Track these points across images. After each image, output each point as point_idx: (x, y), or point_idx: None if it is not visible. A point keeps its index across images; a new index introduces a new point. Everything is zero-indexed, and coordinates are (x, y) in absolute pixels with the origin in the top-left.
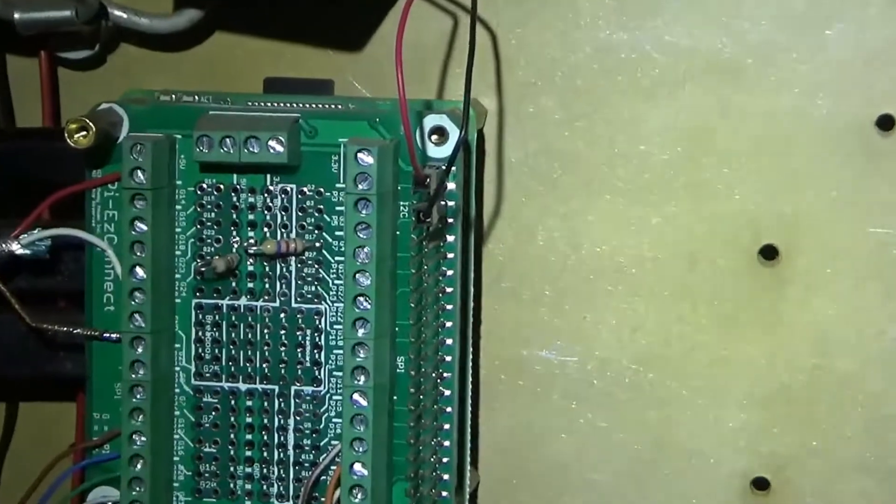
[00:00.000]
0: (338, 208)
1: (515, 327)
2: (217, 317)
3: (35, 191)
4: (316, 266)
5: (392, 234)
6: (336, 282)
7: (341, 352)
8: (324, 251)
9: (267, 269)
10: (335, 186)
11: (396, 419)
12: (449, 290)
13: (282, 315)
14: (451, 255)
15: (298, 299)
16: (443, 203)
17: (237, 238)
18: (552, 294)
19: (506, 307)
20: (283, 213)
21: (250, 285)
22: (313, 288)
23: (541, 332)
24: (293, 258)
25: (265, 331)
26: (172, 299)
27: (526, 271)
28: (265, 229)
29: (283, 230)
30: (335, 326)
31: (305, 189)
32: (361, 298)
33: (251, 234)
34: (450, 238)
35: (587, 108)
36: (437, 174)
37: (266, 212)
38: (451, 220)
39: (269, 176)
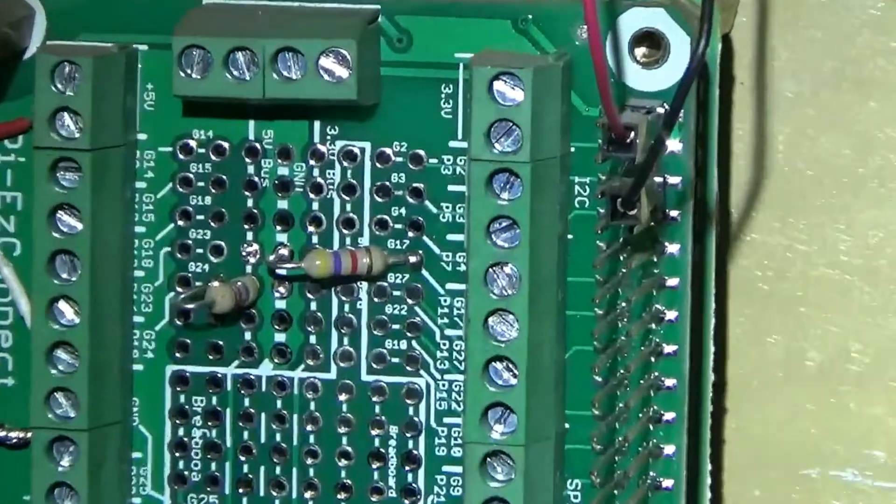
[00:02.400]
0: (453, 189)
1: (793, 422)
2: (215, 400)
3: None
4: (409, 301)
5: (560, 241)
6: (449, 332)
7: (459, 469)
8: (425, 272)
9: (313, 307)
10: (447, 147)
11: None
12: (670, 348)
13: (342, 397)
14: (673, 282)
15: (375, 366)
16: (659, 181)
17: (254, 246)
18: (864, 353)
19: (774, 381)
20: (346, 197)
21: (280, 339)
22: (404, 344)
23: (843, 433)
24: (364, 285)
25: (309, 428)
26: (129, 365)
27: (815, 311)
28: (311, 229)
29: (343, 231)
30: (446, 420)
31: (389, 151)
32: (499, 366)
33: (282, 238)
34: (671, 248)
35: None
36: (650, 123)
37: (312, 195)
38: (674, 214)
39: (318, 125)
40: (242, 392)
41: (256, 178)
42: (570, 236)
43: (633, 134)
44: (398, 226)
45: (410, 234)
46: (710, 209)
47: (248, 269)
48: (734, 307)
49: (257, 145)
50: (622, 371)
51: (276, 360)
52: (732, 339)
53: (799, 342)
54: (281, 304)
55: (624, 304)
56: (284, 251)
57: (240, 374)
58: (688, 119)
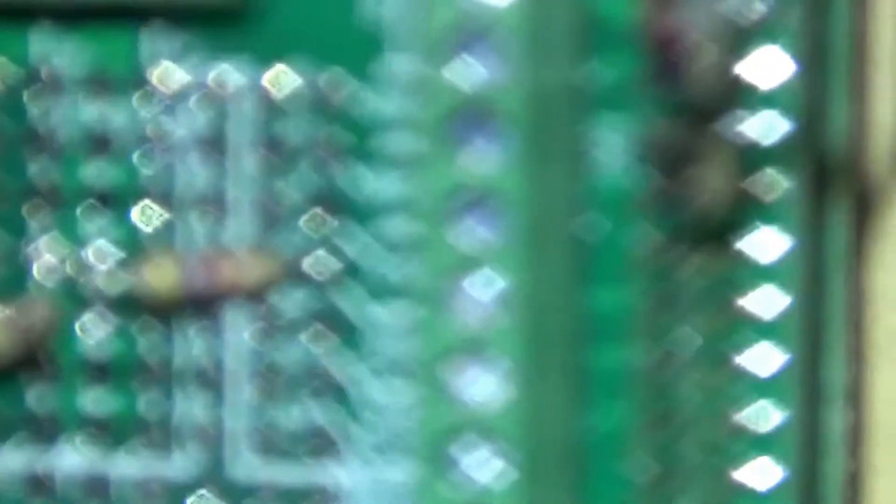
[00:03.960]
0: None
1: None
2: None
3: None
4: (312, 338)
5: (573, 232)
6: (382, 392)
7: None
8: (337, 287)
9: (147, 350)
10: (373, 68)
11: None
12: (768, 424)
13: None
14: (780, 300)
15: (253, 455)
16: (760, 117)
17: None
18: None
19: None
20: (212, 156)
21: (91, 406)
22: (319, 410)
23: None
24: (228, 310)
25: None
26: None
27: None
28: (143, 214)
29: (210, 212)
30: None
31: (290, 80)
32: (467, 453)
33: (93, 230)
34: (772, 237)
35: None
36: (720, 23)
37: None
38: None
39: (153, 34)
40: (30, 497)
41: (45, 128)
42: (590, 223)
43: (688, 43)
44: (298, 205)
45: (321, 219)
46: (836, 172)
47: (35, 285)
48: (888, 350)
49: (50, 76)
50: (685, 463)
51: (85, 444)
52: (881, 406)
53: None
54: (93, 352)
55: (686, 343)
56: (98, 253)
57: (22, 467)
58: (790, 14)
